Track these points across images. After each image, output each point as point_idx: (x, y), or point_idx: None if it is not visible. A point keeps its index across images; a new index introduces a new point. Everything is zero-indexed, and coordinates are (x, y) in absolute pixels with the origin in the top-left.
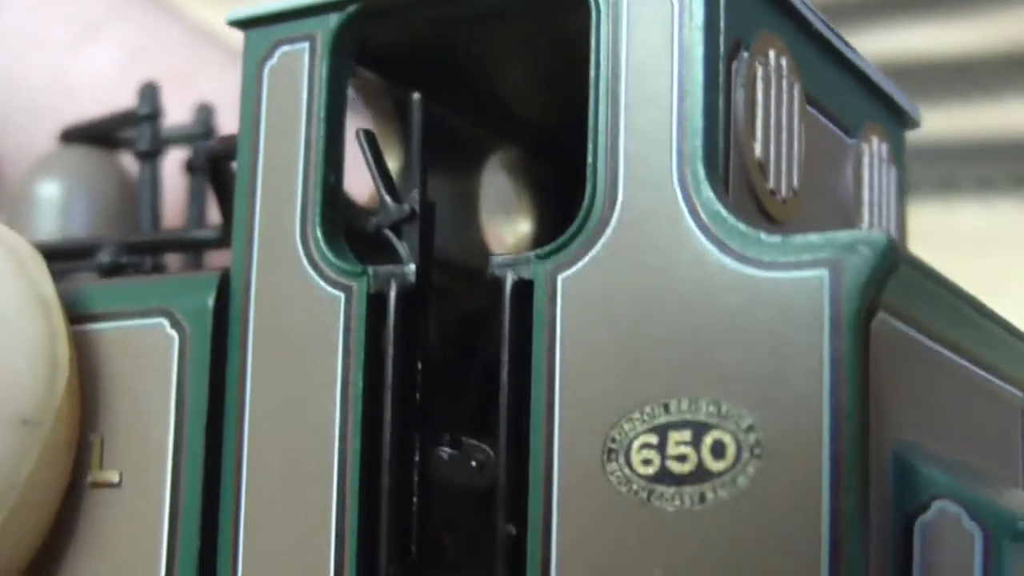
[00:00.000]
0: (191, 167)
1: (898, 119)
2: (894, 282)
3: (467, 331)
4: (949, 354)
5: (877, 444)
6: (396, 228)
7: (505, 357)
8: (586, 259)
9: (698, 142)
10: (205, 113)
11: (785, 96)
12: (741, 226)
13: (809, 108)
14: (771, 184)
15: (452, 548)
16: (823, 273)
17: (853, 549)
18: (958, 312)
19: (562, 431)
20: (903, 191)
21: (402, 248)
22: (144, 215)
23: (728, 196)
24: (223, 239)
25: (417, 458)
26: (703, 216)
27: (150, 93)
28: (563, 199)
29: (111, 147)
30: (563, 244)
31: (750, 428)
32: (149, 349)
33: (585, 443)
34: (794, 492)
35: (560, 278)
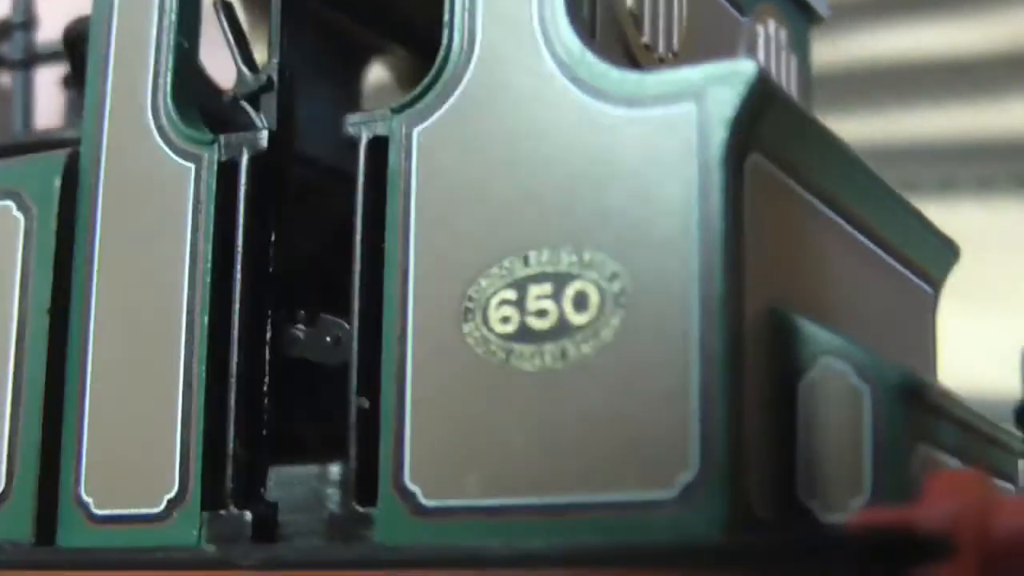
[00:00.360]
0: (67, 83)
1: (799, 7)
2: (771, 122)
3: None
4: (839, 219)
5: (753, 295)
6: (253, 99)
7: (359, 220)
8: (442, 110)
9: None
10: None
11: None
12: (602, 64)
13: None
14: (646, 38)
15: (306, 431)
16: (689, 108)
17: (726, 403)
18: (849, 169)
19: (417, 293)
20: (808, 85)
21: (260, 120)
22: (16, 125)
23: (594, 41)
24: None
25: (269, 336)
26: (562, 55)
27: (24, 2)
28: None
29: None
30: (418, 96)
31: (614, 276)
32: None
33: (441, 304)
34: (661, 343)
35: (416, 131)
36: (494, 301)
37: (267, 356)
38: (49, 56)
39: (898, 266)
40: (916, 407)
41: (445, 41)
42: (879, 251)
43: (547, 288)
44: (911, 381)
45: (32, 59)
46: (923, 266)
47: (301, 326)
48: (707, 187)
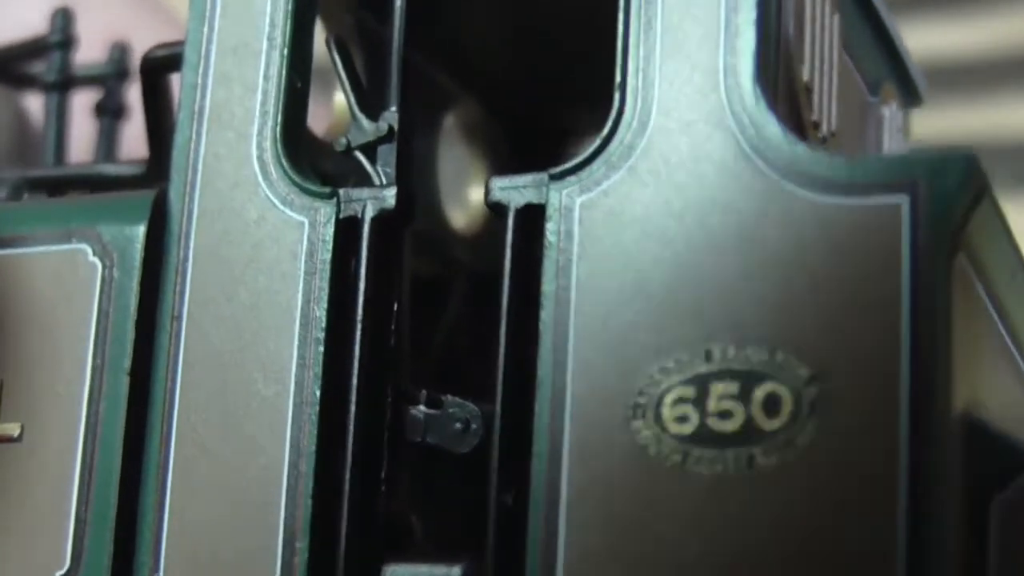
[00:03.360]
0: (101, 109)
1: (907, 90)
2: (979, 220)
3: (423, 295)
4: (1004, 331)
5: (958, 398)
6: (368, 150)
7: (505, 295)
8: (611, 180)
9: (749, 58)
10: (119, 51)
11: (827, 25)
12: (799, 144)
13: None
14: (815, 114)
15: (420, 527)
16: (900, 199)
17: (938, 523)
18: (1017, 279)
19: (576, 380)
20: None
21: (376, 173)
22: (47, 154)
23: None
24: (147, 177)
25: (389, 417)
26: (752, 131)
27: (62, 19)
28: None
29: (13, 83)
30: (582, 163)
31: (812, 379)
32: (66, 279)
33: (606, 397)
34: (864, 455)
35: (578, 202)
36: (669, 398)
37: (385, 439)
38: (86, 79)
39: None
40: None
41: (616, 105)
42: (1018, 356)
43: (733, 388)
44: None
45: (68, 82)
46: None
47: (423, 407)
48: (920, 287)
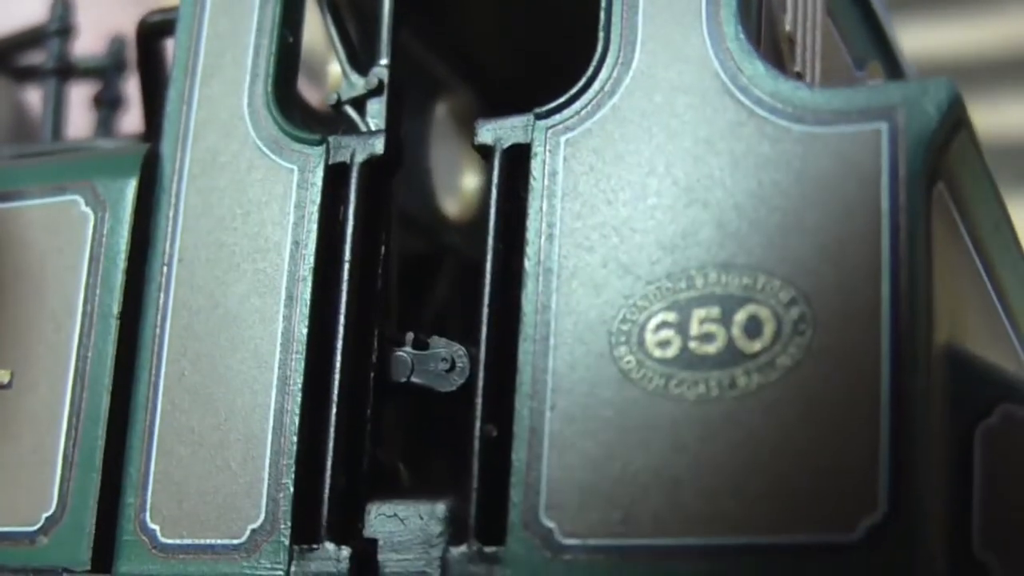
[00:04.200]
0: (99, 100)
1: (894, 73)
2: (958, 149)
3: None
4: (982, 267)
5: (938, 329)
6: (358, 105)
7: (491, 234)
8: (595, 118)
9: None
10: (119, 45)
11: None
12: (782, 77)
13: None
14: (798, 66)
15: (405, 467)
16: (880, 127)
17: (921, 441)
18: (998, 219)
19: (561, 313)
20: None
21: (365, 126)
22: (45, 142)
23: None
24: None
25: (375, 358)
26: (736, 67)
27: (61, 8)
28: None
29: (12, 74)
30: (566, 102)
31: (792, 302)
32: (60, 229)
33: (589, 327)
34: (847, 375)
35: (563, 140)
36: (652, 323)
37: (371, 380)
38: (85, 71)
39: (1011, 329)
40: None
41: (601, 45)
42: (1001, 310)
43: (714, 312)
44: None
45: (67, 69)
46: None
47: (409, 348)
48: (900, 211)
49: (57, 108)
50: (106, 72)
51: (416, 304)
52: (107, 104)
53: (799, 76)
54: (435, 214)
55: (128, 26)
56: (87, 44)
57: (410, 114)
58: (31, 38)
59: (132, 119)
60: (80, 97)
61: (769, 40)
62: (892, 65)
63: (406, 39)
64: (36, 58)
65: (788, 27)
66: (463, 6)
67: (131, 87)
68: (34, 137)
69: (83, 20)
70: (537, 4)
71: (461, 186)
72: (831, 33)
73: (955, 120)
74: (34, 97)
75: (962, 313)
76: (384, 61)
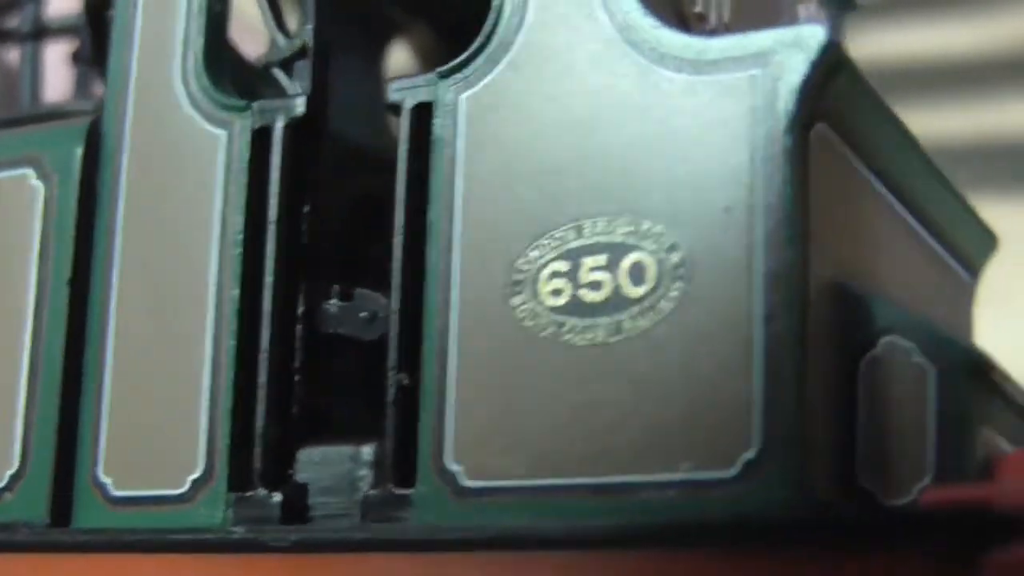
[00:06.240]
0: (76, 58)
1: None
2: (838, 92)
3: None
4: (891, 196)
5: (818, 267)
6: (286, 66)
7: (401, 189)
8: (492, 75)
9: None
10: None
11: None
12: (663, 28)
13: None
14: (699, 6)
15: (336, 410)
16: (754, 73)
17: (792, 380)
18: (904, 146)
19: (463, 265)
20: None
21: (293, 88)
22: (23, 103)
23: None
24: None
25: (302, 310)
26: (621, 18)
27: None
28: None
29: None
30: (466, 61)
31: (673, 247)
32: (13, 202)
33: (488, 276)
34: (723, 317)
35: (463, 97)
36: (545, 273)
37: (299, 332)
38: (60, 30)
39: (941, 249)
40: (982, 388)
41: (496, 2)
42: (925, 232)
43: (602, 259)
44: (978, 360)
45: (41, 32)
46: (964, 252)
47: (335, 301)
48: (772, 155)
49: (34, 71)
50: (81, 30)
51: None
52: (84, 61)
53: (701, 18)
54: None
55: None
56: (64, 4)
57: (371, 60)
58: (6, 3)
59: None
60: (60, 57)
61: None
62: None
63: None
64: (11, 21)
65: None
66: None
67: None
68: (13, 97)
69: None
70: None
71: None
72: None
73: (831, 63)
74: (13, 56)
75: (857, 247)
76: (309, 25)
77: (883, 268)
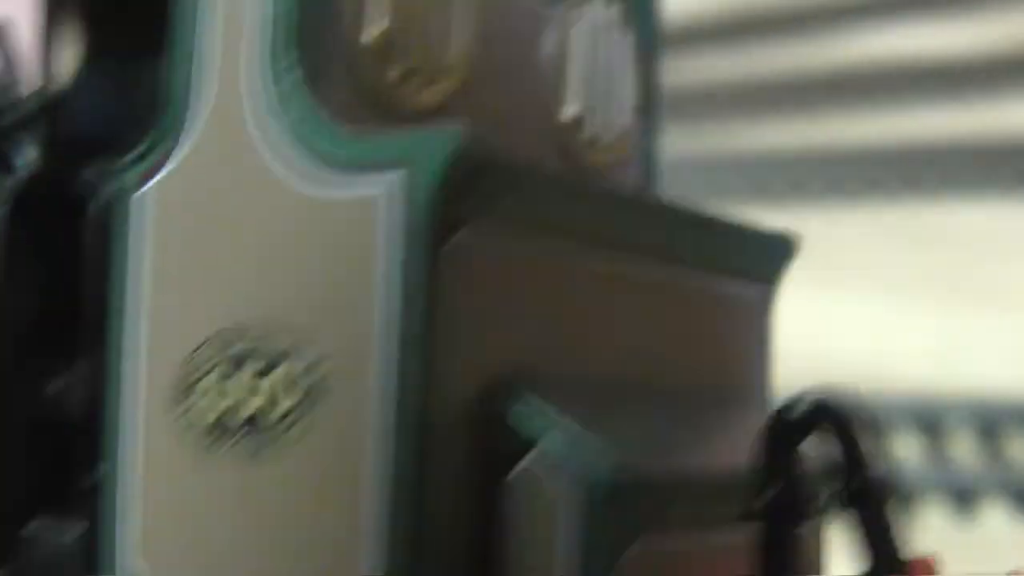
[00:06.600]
0: None
1: None
2: (492, 187)
3: None
4: (609, 262)
5: (456, 382)
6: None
7: (87, 282)
8: (170, 166)
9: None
10: None
11: None
12: (303, 131)
13: None
14: (397, 71)
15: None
16: (393, 178)
17: (408, 507)
18: (608, 210)
19: (130, 367)
20: (650, 56)
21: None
22: None
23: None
24: None
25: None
26: (268, 116)
27: None
28: None
29: None
30: (138, 158)
31: (308, 370)
32: None
33: (157, 379)
34: (352, 440)
35: (134, 197)
36: (202, 384)
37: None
38: None
39: (709, 279)
40: (629, 503)
41: (167, 98)
42: (677, 277)
43: (246, 375)
44: (622, 475)
45: None
46: (744, 270)
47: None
48: (394, 270)
49: None
50: None
51: None
52: None
53: (412, 72)
54: None
55: None
56: None
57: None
58: None
59: None
60: None
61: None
62: None
63: None
64: None
65: (376, 32)
66: None
67: None
68: None
69: None
70: None
71: None
72: None
73: (469, 168)
74: None
75: (546, 338)
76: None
77: (599, 344)
